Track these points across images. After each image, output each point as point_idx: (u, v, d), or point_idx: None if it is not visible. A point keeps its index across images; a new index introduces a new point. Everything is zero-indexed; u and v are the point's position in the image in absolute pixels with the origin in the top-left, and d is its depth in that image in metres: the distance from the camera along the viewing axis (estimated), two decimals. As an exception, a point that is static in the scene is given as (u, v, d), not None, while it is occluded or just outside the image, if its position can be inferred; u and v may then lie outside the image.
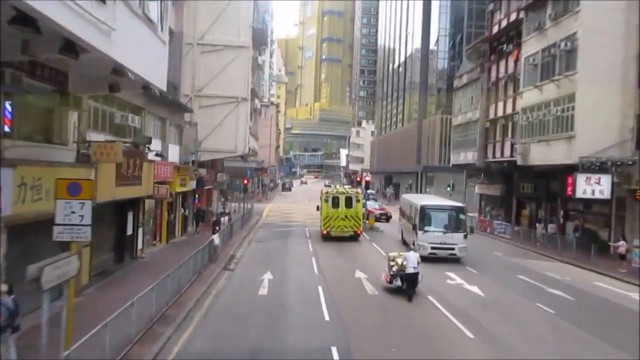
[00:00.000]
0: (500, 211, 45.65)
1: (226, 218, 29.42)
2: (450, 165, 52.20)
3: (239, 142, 35.27)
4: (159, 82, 15.03)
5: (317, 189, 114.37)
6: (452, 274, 21.48)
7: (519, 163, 34.74)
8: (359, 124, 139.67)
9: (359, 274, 21.08)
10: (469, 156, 45.44)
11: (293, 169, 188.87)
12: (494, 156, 41.25)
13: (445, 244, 24.73)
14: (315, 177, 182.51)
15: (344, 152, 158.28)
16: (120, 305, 11.61)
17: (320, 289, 18.33)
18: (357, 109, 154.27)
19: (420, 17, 79.10)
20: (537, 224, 36.45)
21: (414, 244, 24.78)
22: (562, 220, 34.56)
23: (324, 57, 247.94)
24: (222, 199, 50.58)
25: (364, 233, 32.10)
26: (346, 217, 30.53)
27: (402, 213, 31.71)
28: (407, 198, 32.24)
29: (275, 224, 41.52)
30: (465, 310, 16.09)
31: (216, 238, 23.28)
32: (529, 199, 40.31)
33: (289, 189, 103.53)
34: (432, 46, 76.63)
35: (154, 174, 21.98)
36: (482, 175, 51.10)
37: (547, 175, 35.37)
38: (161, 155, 22.18)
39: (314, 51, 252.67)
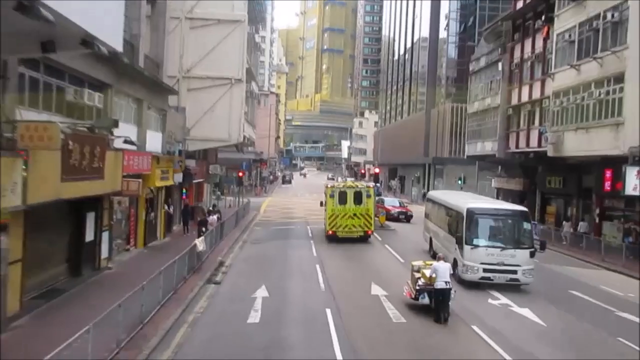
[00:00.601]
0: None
1: (215, 217, 25.22)
2: (465, 157, 48.01)
3: (233, 129, 31.15)
4: (111, 38, 10.81)
5: (318, 182, 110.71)
6: (493, 291, 17.32)
7: (549, 154, 30.56)
8: (362, 114, 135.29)
9: (375, 290, 16.96)
10: (487, 147, 41.26)
11: (293, 161, 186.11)
12: (517, 146, 37.06)
13: (503, 265, 17.49)
14: (318, 169, 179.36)
15: (345, 144, 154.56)
16: (54, 346, 7.71)
17: (329, 313, 14.22)
18: (360, 100, 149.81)
19: (428, 0, 74.57)
20: (564, 222, 32.34)
21: (456, 264, 18.34)
22: (597, 220, 30.43)
23: (325, 47, 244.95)
24: (217, 193, 46.55)
25: (374, 233, 27.92)
26: (355, 215, 26.40)
27: (432, 216, 24.35)
28: (440, 197, 24.13)
29: (274, 221, 37.42)
30: (526, 348, 12.01)
31: (200, 243, 19.13)
32: (556, 194, 36.15)
33: (289, 182, 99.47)
34: (441, 31, 72.12)
35: (122, 166, 17.83)
36: (500, 168, 47.03)
37: (579, 168, 31.25)
38: (132, 142, 18.01)
39: (315, 42, 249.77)
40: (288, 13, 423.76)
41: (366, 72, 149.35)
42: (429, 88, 73.53)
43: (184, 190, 30.44)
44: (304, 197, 66.07)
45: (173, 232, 28.38)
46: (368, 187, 26.95)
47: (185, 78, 30.44)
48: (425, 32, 76.14)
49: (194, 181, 31.97)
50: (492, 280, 17.55)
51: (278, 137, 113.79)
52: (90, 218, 16.94)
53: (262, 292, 16.37)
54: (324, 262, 21.83)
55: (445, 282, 14.09)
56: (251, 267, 20.90)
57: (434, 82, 72.28)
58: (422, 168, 72.65)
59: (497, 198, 47.80)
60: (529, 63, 35.96)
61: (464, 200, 20.39)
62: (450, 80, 68.64)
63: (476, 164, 59.40)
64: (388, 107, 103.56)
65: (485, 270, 17.50)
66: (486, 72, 42.31)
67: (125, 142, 17.68)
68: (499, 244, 17.80)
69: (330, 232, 26.56)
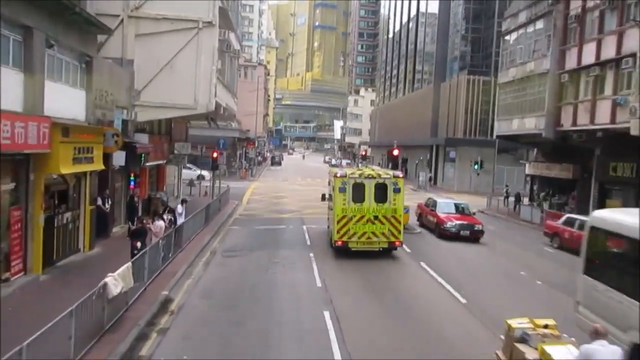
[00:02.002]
0: (567, 199, 33.31)
1: (161, 222, 16.37)
2: (494, 137, 39.53)
3: (201, 93, 22.35)
4: None
5: (311, 164, 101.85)
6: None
7: (634, 132, 22.22)
8: (357, 92, 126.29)
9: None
10: (527, 124, 32.77)
11: (283, 142, 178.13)
12: (574, 123, 28.58)
13: None
14: (308, 149, 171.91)
15: (338, 124, 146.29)
16: None
17: None
18: (354, 77, 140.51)
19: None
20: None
21: None
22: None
23: (317, 23, 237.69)
24: (192, 178, 37.88)
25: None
26: (377, 218, 17.83)
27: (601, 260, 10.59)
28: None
29: (259, 216, 28.82)
30: None
31: (115, 282, 10.32)
32: (623, 184, 27.90)
33: (279, 164, 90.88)
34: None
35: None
36: (536, 151, 38.71)
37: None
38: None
39: (307, 17, 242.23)
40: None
41: (362, 47, 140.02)
42: (437, 59, 64.69)
43: (132, 177, 21.72)
44: (296, 181, 57.46)
45: (113, 236, 19.77)
46: (396, 177, 18.23)
47: (132, 18, 21.50)
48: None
49: (148, 164, 23.23)
50: None
51: (267, 115, 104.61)
52: None
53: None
54: (336, 301, 13.31)
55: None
56: (214, 311, 12.36)
57: (444, 50, 63.39)
58: (429, 150, 64.26)
59: (531, 187, 39.63)
60: (595, 12, 27.29)
61: None
62: (464, 48, 59.79)
63: (495, 145, 51.28)
64: (388, 84, 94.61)
65: None
66: (528, 30, 33.65)
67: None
68: None
69: (339, 242, 18.00)
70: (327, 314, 12.11)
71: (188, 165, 64.76)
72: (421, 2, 73.51)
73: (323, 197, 22.82)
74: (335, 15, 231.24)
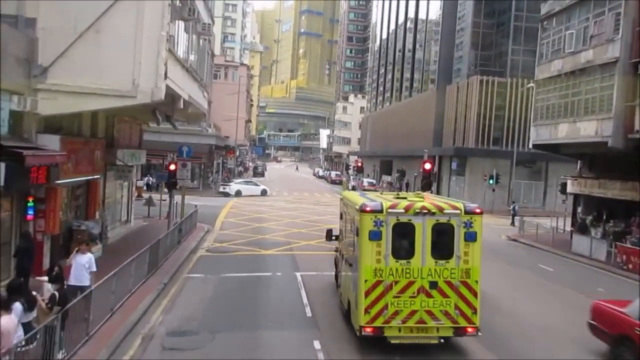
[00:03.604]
0: (631, 226, 25.82)
1: (10, 317, 8.29)
2: (530, 146, 32.11)
3: (144, 73, 14.37)
4: None
5: (296, 174, 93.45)
6: None
7: None
8: (345, 99, 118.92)
9: None
10: (585, 129, 25.38)
11: (267, 151, 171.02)
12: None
13: None
14: (294, 158, 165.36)
15: (324, 133, 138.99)
16: None
17: None
18: (343, 83, 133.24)
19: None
20: None
21: None
22: None
23: (302, 30, 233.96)
24: (152, 198, 30.03)
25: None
26: (435, 286, 10.08)
27: None
28: None
29: (232, 252, 20.80)
30: None
31: None
32: None
33: (262, 174, 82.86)
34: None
35: None
36: (581, 164, 31.42)
37: None
38: None
39: (292, 24, 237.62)
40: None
41: (351, 51, 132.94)
42: (442, 60, 57.50)
43: (30, 203, 13.66)
44: (282, 197, 49.44)
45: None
46: (470, 212, 10.23)
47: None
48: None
49: (62, 181, 15.19)
50: None
51: (249, 121, 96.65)
52: None
53: None
54: None
55: None
56: None
57: (451, 48, 56.16)
58: (431, 161, 56.77)
59: (574, 208, 32.18)
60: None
61: None
62: (474, 46, 52.57)
63: (513, 157, 44.31)
64: (381, 89, 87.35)
65: None
66: (581, 9, 26.44)
67: None
68: None
69: (369, 328, 9.98)
70: None
71: (250, 179, 55.58)
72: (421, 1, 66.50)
73: (328, 236, 15.02)
74: (322, 22, 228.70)
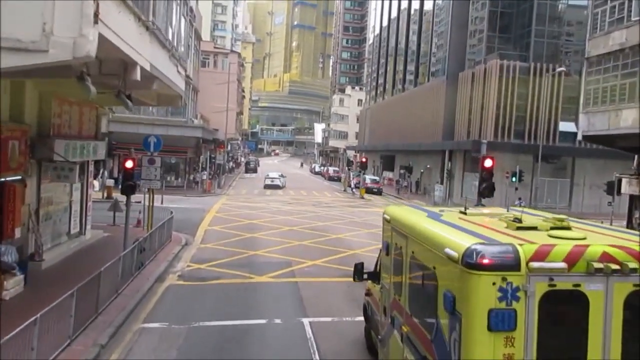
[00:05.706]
0: None
1: None
2: (580, 138, 26.82)
3: (60, 15, 8.73)
4: None
5: (291, 170, 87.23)
6: None
7: None
8: (342, 91, 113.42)
9: None
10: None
11: (260, 146, 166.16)
12: None
13: None
14: (288, 153, 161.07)
15: (319, 127, 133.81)
16: None
17: None
18: (339, 74, 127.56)
19: None
20: None
21: None
22: None
23: (295, 23, 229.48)
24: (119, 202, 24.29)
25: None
26: None
27: None
28: None
29: (214, 280, 15.21)
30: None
31: None
32: None
33: (254, 170, 77.33)
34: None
35: None
36: (637, 160, 26.20)
37: None
38: None
39: (285, 16, 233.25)
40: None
41: (347, 42, 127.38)
42: (452, 45, 52.05)
43: None
44: (276, 195, 44.03)
45: None
46: None
47: None
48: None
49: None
50: None
51: (241, 114, 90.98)
52: None
53: None
54: None
55: None
56: None
57: (464, 32, 50.77)
58: (441, 156, 51.68)
59: (630, 209, 26.98)
60: None
61: None
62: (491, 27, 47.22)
63: (538, 153, 39.10)
64: (381, 80, 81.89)
65: None
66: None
67: None
68: None
69: None
70: None
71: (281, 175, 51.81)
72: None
73: (358, 274, 9.37)
74: (315, 14, 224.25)
